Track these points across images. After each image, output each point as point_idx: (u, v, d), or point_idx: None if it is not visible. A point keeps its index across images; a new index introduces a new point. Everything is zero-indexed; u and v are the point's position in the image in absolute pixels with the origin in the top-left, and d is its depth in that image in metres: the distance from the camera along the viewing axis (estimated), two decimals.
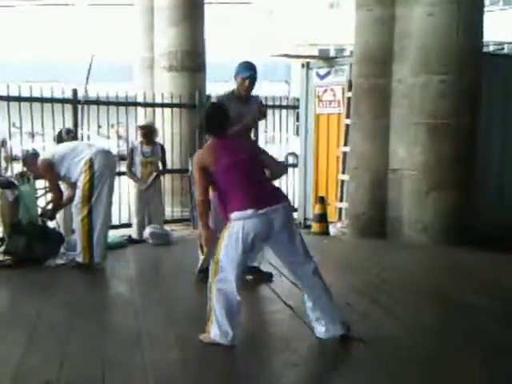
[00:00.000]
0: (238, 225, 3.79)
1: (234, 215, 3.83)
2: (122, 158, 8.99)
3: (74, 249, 6.20)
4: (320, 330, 4.01)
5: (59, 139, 7.10)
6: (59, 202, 6.35)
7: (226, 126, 4.10)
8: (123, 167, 8.22)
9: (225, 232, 3.86)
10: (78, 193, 6.02)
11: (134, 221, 7.94)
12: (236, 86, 5.41)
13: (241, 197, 3.83)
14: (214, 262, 3.89)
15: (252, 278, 5.39)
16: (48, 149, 6.89)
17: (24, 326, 4.35)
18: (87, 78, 7.87)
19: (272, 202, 3.84)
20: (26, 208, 6.27)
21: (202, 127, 4.21)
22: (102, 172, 6.01)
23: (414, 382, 3.59)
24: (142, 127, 7.95)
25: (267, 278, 5.54)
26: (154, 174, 7.83)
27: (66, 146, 6.42)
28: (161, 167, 8.00)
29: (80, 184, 5.99)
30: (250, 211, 3.77)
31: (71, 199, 6.20)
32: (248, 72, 5.31)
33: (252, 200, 3.80)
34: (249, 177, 3.90)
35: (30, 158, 6.40)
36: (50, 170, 6.11)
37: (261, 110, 5.61)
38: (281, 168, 4.36)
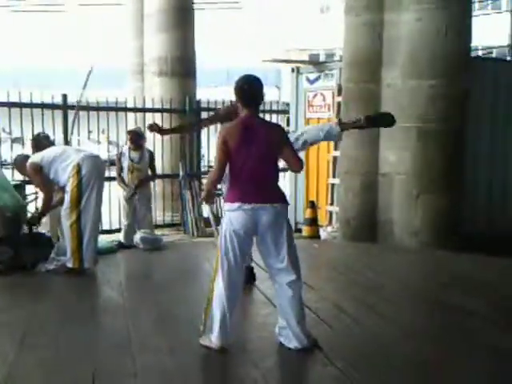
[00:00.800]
0: (227, 219, 3.84)
1: (224, 206, 3.94)
2: (112, 163, 8.97)
3: (64, 254, 6.17)
4: (282, 338, 4.00)
5: (37, 145, 6.77)
6: (48, 202, 6.27)
7: (259, 98, 3.96)
8: (113, 172, 8.20)
9: (221, 231, 3.89)
10: (67, 198, 5.99)
11: (123, 225, 7.92)
12: None
13: (235, 189, 3.85)
14: (214, 266, 3.91)
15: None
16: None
17: (14, 331, 4.33)
18: (84, 85, 7.84)
19: (261, 199, 3.81)
20: (8, 193, 6.25)
21: (235, 94, 3.96)
22: (89, 177, 5.98)
23: None
24: (129, 132, 7.93)
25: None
26: (136, 181, 7.69)
27: (55, 150, 6.39)
28: (150, 173, 7.95)
29: (68, 189, 5.97)
30: (236, 204, 3.80)
31: (61, 202, 6.17)
32: None
33: (243, 194, 3.81)
34: (252, 172, 3.83)
35: (21, 161, 6.39)
36: (38, 173, 6.08)
37: None
38: (296, 163, 4.07)
